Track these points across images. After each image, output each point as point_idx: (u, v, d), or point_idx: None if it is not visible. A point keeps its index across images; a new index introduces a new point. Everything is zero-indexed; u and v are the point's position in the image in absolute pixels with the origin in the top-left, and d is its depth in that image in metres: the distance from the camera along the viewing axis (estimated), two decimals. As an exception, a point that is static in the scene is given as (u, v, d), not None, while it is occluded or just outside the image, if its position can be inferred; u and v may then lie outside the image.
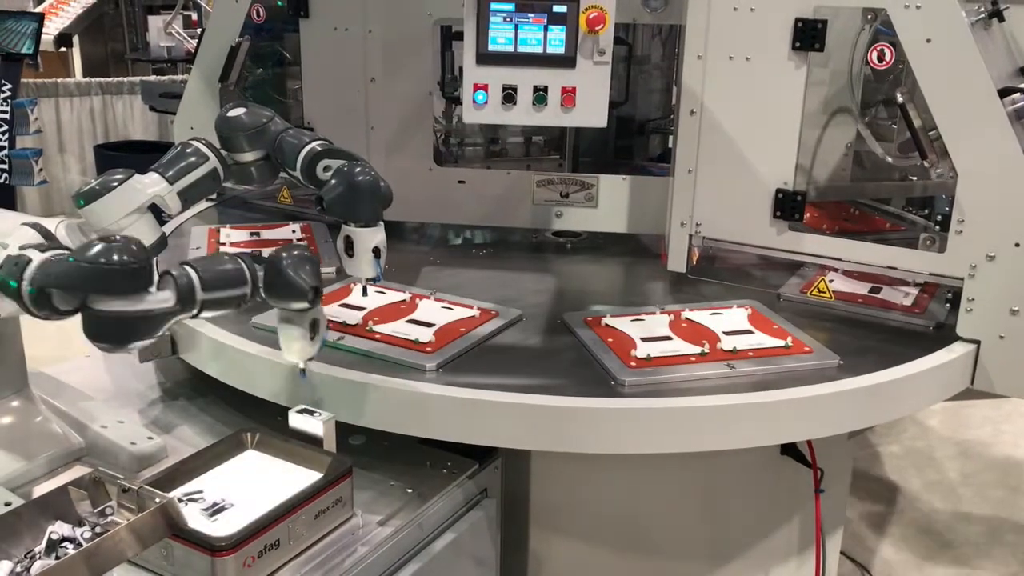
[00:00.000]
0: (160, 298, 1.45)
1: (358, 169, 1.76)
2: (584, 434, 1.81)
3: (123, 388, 2.22)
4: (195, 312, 1.51)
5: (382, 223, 1.81)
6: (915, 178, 2.62)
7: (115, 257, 1.37)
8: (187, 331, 2.10)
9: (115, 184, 1.68)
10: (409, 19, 2.55)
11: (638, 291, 2.49)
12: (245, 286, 1.57)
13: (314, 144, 1.80)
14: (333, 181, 1.75)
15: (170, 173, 1.74)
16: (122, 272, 1.38)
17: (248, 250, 1.80)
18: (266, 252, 1.65)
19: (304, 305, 1.65)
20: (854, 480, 3.35)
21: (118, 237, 1.42)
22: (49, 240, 1.57)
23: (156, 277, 1.46)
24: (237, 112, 1.83)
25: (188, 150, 1.78)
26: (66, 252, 1.44)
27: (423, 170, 2.68)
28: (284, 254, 1.63)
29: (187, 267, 1.51)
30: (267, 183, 1.97)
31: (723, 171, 2.31)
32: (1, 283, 1.44)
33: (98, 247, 1.38)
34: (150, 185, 1.71)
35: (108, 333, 1.42)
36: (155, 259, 1.48)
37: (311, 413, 1.76)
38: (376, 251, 1.79)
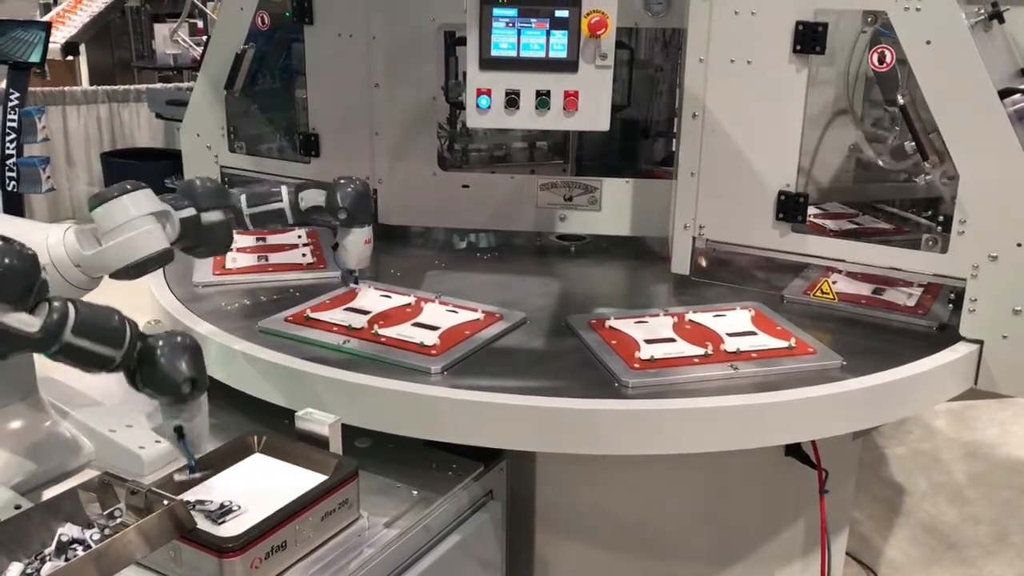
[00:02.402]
0: (24, 320, 1.36)
1: (344, 180, 2.11)
2: (588, 436, 1.82)
3: (131, 393, 2.20)
4: (55, 350, 1.43)
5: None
6: (917, 179, 2.63)
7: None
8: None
9: (130, 187, 1.70)
10: (412, 25, 2.57)
11: (642, 293, 2.51)
12: (118, 349, 1.49)
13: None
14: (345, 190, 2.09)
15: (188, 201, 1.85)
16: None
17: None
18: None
19: (178, 399, 1.59)
20: (860, 482, 3.36)
21: (6, 240, 1.36)
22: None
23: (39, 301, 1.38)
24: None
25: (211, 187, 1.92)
26: None
27: (427, 175, 2.70)
28: (161, 342, 1.55)
29: (70, 303, 1.43)
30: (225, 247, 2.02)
31: (726, 174, 2.33)
32: None
33: None
34: (159, 202, 1.75)
35: None
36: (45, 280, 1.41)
37: (317, 416, 1.77)
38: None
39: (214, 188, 1.91)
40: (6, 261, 1.33)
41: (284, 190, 2.06)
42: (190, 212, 1.83)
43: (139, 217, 1.68)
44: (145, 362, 1.54)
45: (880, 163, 2.56)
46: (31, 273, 1.36)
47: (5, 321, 1.34)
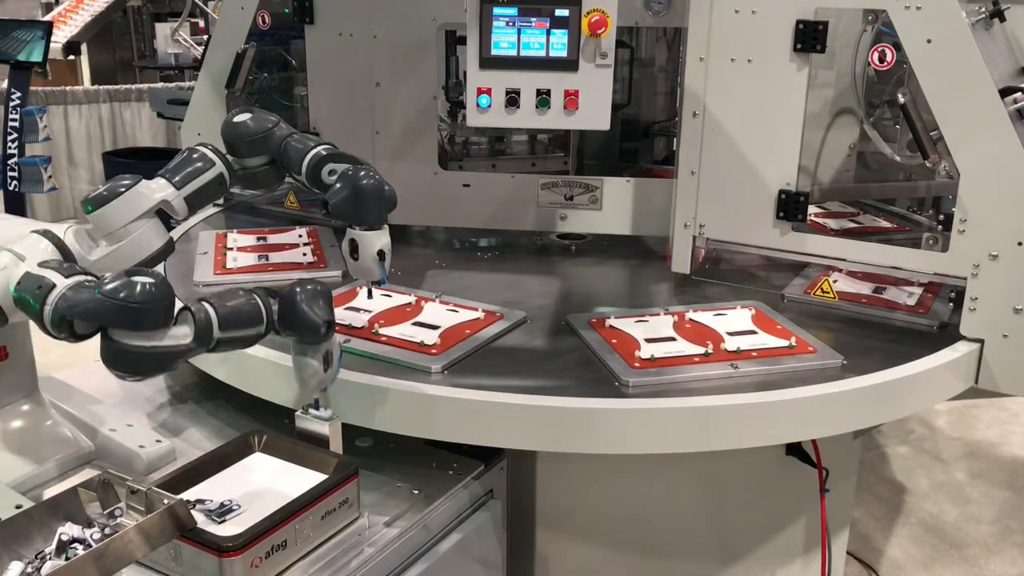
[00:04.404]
0: (178, 335, 1.46)
1: (363, 173, 1.78)
2: (589, 435, 1.82)
3: (132, 392, 2.23)
4: (210, 348, 1.52)
5: (387, 226, 1.82)
6: (918, 178, 2.63)
7: (139, 295, 1.39)
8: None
9: (123, 189, 1.69)
10: (413, 24, 2.57)
11: (642, 292, 2.50)
12: (260, 325, 1.58)
13: (319, 148, 1.82)
14: (338, 185, 1.77)
15: (177, 178, 1.75)
16: (144, 311, 1.40)
17: (260, 279, 1.80)
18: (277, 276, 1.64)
19: (317, 339, 1.66)
20: (862, 481, 3.36)
21: (142, 273, 1.43)
22: (62, 251, 1.59)
23: (175, 312, 1.47)
24: (242, 117, 1.84)
25: (195, 155, 1.79)
26: (91, 280, 1.45)
27: (428, 174, 2.70)
28: (298, 289, 1.64)
29: (206, 304, 1.52)
30: (273, 188, 1.98)
31: (726, 173, 2.32)
32: (22, 301, 1.47)
33: (122, 283, 1.39)
34: (157, 190, 1.73)
35: (125, 364, 1.44)
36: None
37: (318, 415, 1.77)
38: (381, 254, 1.81)
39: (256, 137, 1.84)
40: (154, 292, 1.40)
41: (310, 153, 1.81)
42: (197, 184, 1.78)
43: (135, 220, 1.69)
44: (286, 313, 1.62)
45: (897, 159, 2.55)
46: (170, 294, 1.44)
47: (166, 343, 1.44)
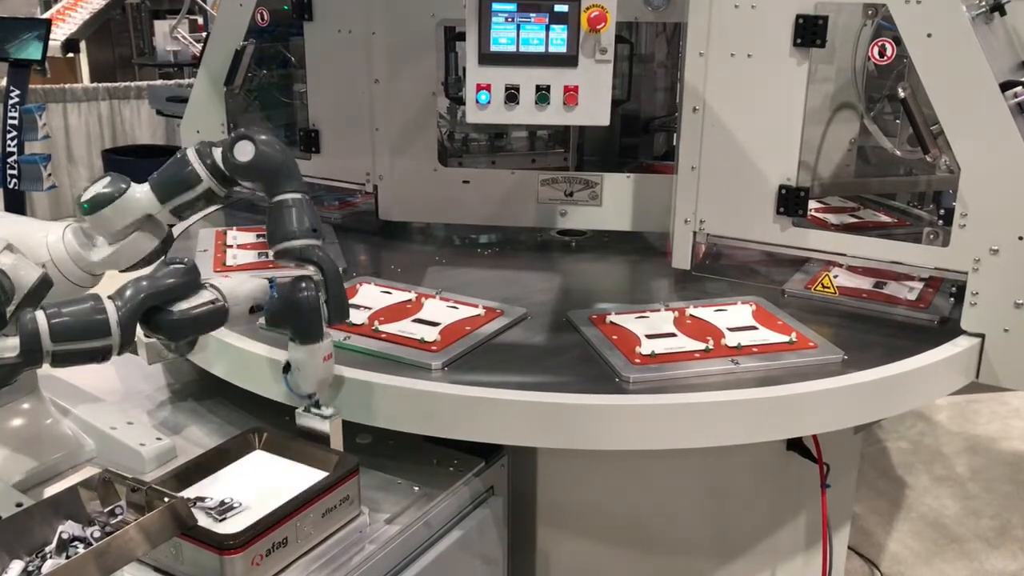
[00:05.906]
0: (4, 347, 1.33)
1: (303, 285, 1.68)
2: (589, 431, 1.82)
3: (132, 390, 2.23)
4: (47, 362, 1.39)
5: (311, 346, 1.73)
6: (919, 173, 2.63)
7: None
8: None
9: (115, 195, 1.68)
10: (412, 20, 2.57)
11: (643, 288, 2.51)
12: (108, 337, 1.42)
13: (296, 243, 1.68)
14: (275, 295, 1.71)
15: (162, 193, 1.70)
16: None
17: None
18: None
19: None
20: (862, 476, 3.36)
21: None
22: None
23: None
24: (245, 158, 1.66)
25: (186, 169, 1.69)
26: None
27: (428, 170, 2.69)
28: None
29: (40, 312, 1.37)
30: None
31: (726, 168, 2.32)
32: None
33: None
34: (144, 202, 1.71)
35: None
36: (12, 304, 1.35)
37: (318, 412, 1.77)
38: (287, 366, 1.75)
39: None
40: None
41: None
42: (182, 200, 1.72)
43: (132, 222, 1.68)
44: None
45: (897, 153, 2.55)
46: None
47: None
